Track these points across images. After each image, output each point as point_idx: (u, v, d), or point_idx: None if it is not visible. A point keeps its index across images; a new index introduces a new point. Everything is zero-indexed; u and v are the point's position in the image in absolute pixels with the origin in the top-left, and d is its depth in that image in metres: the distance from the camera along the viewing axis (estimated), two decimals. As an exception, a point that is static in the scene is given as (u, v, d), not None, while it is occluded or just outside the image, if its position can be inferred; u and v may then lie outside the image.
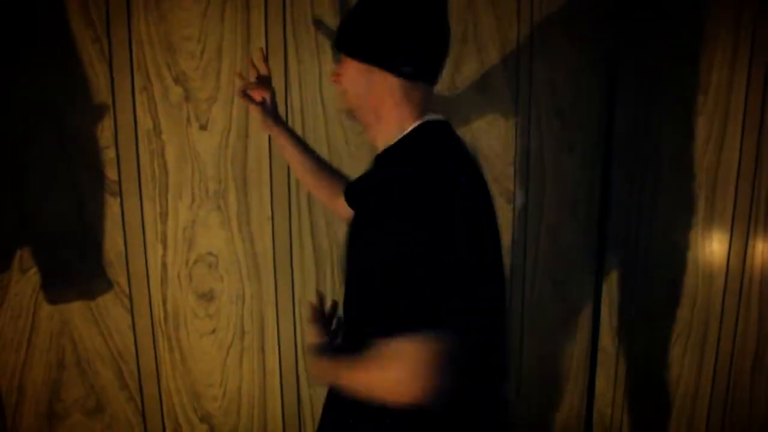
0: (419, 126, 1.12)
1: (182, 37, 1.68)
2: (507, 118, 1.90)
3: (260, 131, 1.75)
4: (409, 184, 0.99)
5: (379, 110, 1.13)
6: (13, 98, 1.63)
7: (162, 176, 1.74)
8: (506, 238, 1.93)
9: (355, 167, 1.80)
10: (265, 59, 1.63)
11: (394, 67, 1.10)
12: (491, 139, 1.90)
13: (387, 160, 1.14)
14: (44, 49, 1.62)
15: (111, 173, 1.71)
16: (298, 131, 1.77)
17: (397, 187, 0.99)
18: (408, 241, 0.94)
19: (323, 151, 1.79)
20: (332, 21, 1.73)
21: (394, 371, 0.91)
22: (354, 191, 1.29)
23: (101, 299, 1.76)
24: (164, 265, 1.78)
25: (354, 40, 1.12)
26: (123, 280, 1.77)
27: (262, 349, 1.88)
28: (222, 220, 1.78)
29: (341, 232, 1.85)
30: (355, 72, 1.13)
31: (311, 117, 1.78)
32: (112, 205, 1.73)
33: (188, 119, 1.72)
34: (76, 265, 1.74)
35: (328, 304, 1.40)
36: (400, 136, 1.12)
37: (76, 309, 1.76)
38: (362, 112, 1.17)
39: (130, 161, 1.72)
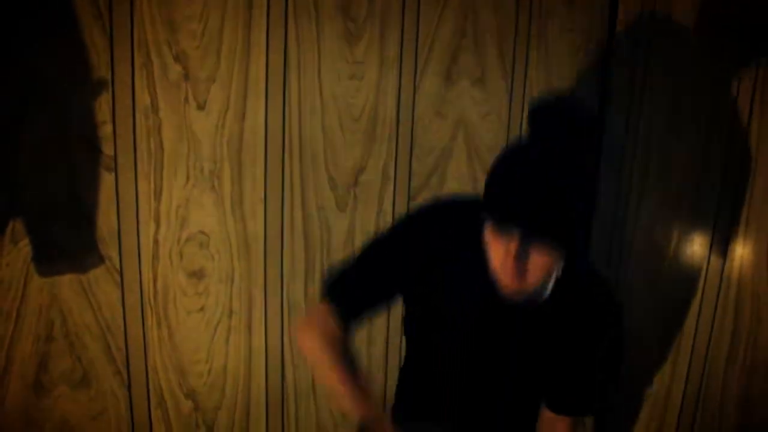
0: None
1: (184, 15, 1.69)
2: (501, 113, 1.93)
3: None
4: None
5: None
6: (11, 70, 1.64)
7: (158, 154, 1.75)
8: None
9: (349, 156, 1.83)
10: None
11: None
12: (484, 133, 1.94)
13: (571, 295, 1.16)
14: (44, 22, 1.63)
15: (107, 149, 1.73)
16: (294, 120, 1.79)
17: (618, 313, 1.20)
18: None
19: (318, 140, 1.81)
20: (334, 10, 1.74)
21: None
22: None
23: (92, 273, 1.78)
24: (156, 242, 1.80)
25: (566, 234, 0.98)
26: (114, 255, 1.78)
27: (249, 330, 1.90)
28: (215, 200, 1.80)
29: (333, 217, 1.88)
30: (552, 262, 1.02)
31: (308, 105, 1.80)
32: (107, 181, 1.74)
33: (186, 98, 1.74)
34: (68, 238, 1.75)
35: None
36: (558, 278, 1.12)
37: (66, 282, 1.77)
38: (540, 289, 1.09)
39: (126, 137, 1.73)
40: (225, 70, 1.73)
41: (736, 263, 1.99)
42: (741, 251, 1.98)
